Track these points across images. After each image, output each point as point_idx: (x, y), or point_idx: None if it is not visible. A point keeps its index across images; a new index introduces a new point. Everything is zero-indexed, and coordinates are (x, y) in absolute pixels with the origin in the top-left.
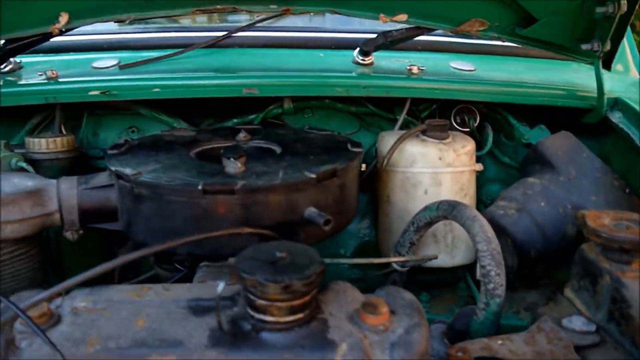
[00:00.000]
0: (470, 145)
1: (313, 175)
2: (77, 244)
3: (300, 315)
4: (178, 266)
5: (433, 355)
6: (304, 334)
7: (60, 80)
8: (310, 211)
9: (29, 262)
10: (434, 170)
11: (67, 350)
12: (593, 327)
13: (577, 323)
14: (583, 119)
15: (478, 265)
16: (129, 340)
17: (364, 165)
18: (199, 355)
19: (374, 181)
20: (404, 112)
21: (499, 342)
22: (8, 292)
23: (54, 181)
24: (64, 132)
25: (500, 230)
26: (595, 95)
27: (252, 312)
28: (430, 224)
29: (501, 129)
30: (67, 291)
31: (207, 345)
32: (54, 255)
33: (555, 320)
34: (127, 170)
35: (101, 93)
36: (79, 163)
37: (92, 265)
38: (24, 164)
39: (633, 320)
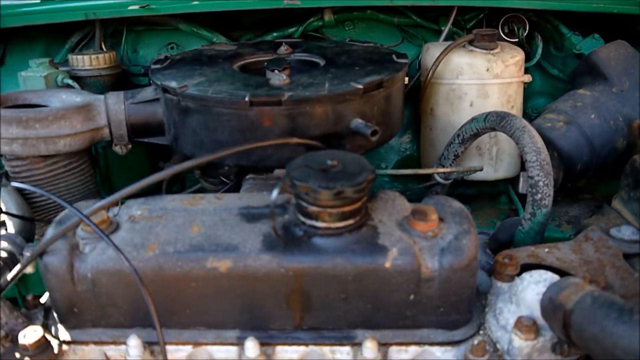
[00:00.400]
0: (519, 55)
1: (360, 86)
2: (124, 159)
3: (351, 222)
4: (224, 179)
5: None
6: (354, 239)
7: None
8: (357, 122)
9: (81, 176)
10: (481, 81)
11: (128, 254)
12: None
13: (625, 232)
14: (638, 27)
15: (522, 177)
16: (186, 245)
17: (406, 79)
18: (253, 259)
19: (418, 94)
20: (450, 21)
21: (546, 250)
22: None
23: (101, 96)
24: (105, 49)
25: (547, 143)
26: None
27: (303, 219)
28: (476, 135)
29: (550, 39)
30: (122, 201)
31: (261, 250)
32: (103, 170)
33: (603, 230)
34: (173, 84)
35: (140, 7)
36: (121, 80)
37: (139, 179)
38: (70, 81)
39: None
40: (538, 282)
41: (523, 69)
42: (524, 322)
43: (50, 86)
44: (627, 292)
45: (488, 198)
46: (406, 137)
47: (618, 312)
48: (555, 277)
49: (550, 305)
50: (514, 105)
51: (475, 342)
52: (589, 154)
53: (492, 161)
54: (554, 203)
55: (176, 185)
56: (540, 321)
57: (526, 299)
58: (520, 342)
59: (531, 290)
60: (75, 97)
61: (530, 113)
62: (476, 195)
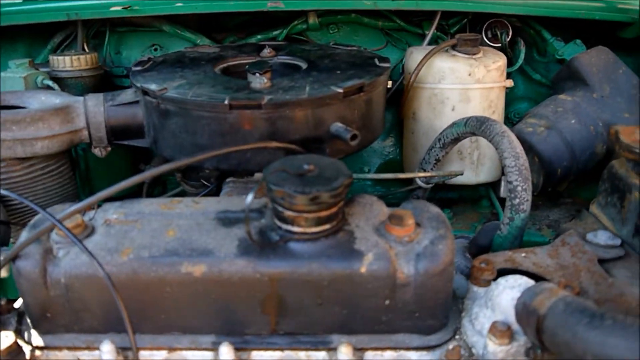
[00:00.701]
0: (501, 60)
1: (340, 90)
2: (104, 161)
3: (327, 226)
4: (205, 182)
5: (455, 269)
6: (330, 244)
7: None
8: (337, 126)
9: (60, 178)
10: (463, 86)
11: (102, 258)
12: (618, 242)
13: (602, 237)
14: (621, 34)
15: (504, 182)
16: (161, 250)
17: (389, 82)
18: (228, 264)
19: (400, 98)
20: (434, 25)
21: (523, 254)
22: (41, 207)
23: (80, 98)
24: (87, 50)
25: (528, 147)
26: (636, 7)
27: (279, 223)
28: (457, 140)
29: (534, 45)
30: (99, 205)
31: (237, 255)
32: (83, 172)
33: (580, 235)
34: (153, 86)
35: (123, 8)
36: (103, 81)
37: (120, 181)
38: (50, 82)
39: None
40: (513, 287)
41: (505, 74)
42: (498, 327)
43: (30, 87)
44: (601, 297)
45: (469, 202)
46: (389, 141)
47: (589, 317)
48: (530, 282)
49: (524, 310)
50: (495, 110)
51: (451, 346)
52: (569, 159)
53: (473, 165)
54: (535, 207)
55: (157, 188)
56: (515, 326)
57: (501, 304)
58: (494, 347)
59: (506, 295)
60: (54, 99)
61: (512, 118)
62: (458, 199)
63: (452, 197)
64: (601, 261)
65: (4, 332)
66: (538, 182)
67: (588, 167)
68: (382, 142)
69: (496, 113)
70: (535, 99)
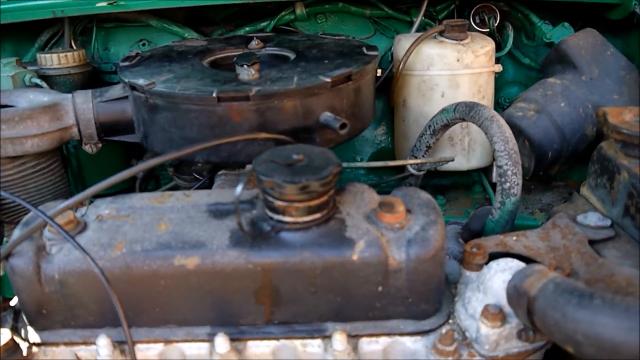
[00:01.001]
0: (489, 45)
1: (328, 79)
2: (96, 158)
3: (318, 215)
4: (197, 176)
5: (448, 254)
6: (322, 232)
7: None
8: (326, 115)
9: (51, 176)
10: (452, 72)
11: (95, 253)
12: (608, 222)
13: (592, 219)
14: (609, 15)
15: (495, 166)
16: (153, 243)
17: (379, 71)
18: (221, 255)
19: (390, 86)
20: (421, 12)
21: (514, 238)
22: (34, 205)
23: (69, 95)
24: (75, 47)
25: (518, 131)
26: None
27: (270, 214)
28: (447, 126)
29: (522, 29)
30: (91, 201)
31: (229, 246)
32: (75, 169)
33: (571, 217)
34: (141, 81)
35: (108, 4)
36: (92, 78)
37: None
38: (37, 80)
39: None
40: (504, 270)
41: (494, 58)
42: (490, 310)
43: (18, 86)
44: (591, 278)
45: (462, 188)
46: (380, 129)
47: (578, 297)
48: (521, 265)
49: (515, 292)
50: (485, 95)
51: (444, 331)
52: (560, 142)
53: (464, 151)
54: (527, 191)
55: (151, 183)
56: (507, 309)
57: (493, 287)
58: (487, 330)
59: (498, 278)
60: (43, 97)
61: (503, 102)
62: (451, 185)
63: (445, 184)
64: (591, 242)
65: (0, 330)
66: (529, 166)
67: (579, 149)
68: (374, 131)
69: (485, 98)
70: (525, 83)
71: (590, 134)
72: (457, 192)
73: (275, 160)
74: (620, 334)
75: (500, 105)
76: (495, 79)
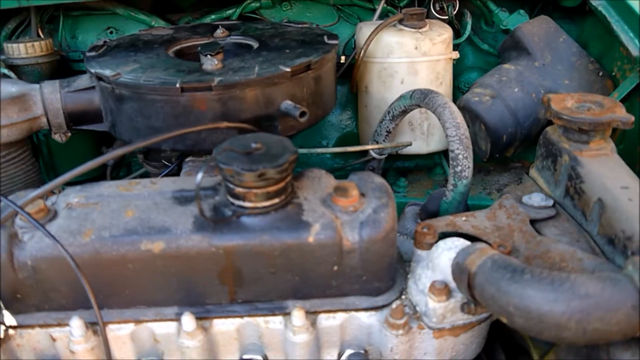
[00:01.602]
0: (447, 33)
1: (287, 69)
2: (66, 146)
3: (276, 200)
4: (166, 162)
5: (406, 233)
6: (280, 217)
7: None
8: (286, 104)
9: (22, 165)
10: (410, 59)
11: (65, 240)
12: (550, 203)
13: (535, 199)
14: (563, 2)
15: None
16: (120, 229)
17: (343, 58)
18: (185, 240)
19: (352, 73)
20: (382, 0)
21: (463, 218)
22: (6, 194)
23: (36, 86)
24: (42, 35)
25: (474, 116)
26: None
27: (232, 200)
28: (405, 112)
29: (481, 15)
30: (62, 189)
31: (192, 231)
32: (46, 157)
33: (517, 198)
34: (107, 72)
35: None
36: (60, 67)
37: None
38: (5, 70)
39: (584, 194)
40: (450, 249)
41: (451, 46)
42: (436, 285)
43: None
44: (530, 254)
45: (425, 170)
46: (345, 114)
47: (511, 272)
48: (466, 244)
49: (457, 269)
50: (442, 81)
51: (394, 306)
52: (514, 126)
53: (423, 135)
54: (486, 172)
55: (122, 170)
56: (452, 284)
57: (440, 265)
58: (434, 304)
59: (444, 256)
60: (11, 87)
61: (462, 87)
62: (413, 167)
63: (408, 166)
64: (533, 221)
65: None
66: (486, 149)
67: (532, 132)
68: (339, 116)
69: (443, 84)
70: (484, 68)
71: (543, 117)
72: (419, 174)
73: (234, 149)
74: (545, 305)
75: (460, 89)
76: (455, 64)
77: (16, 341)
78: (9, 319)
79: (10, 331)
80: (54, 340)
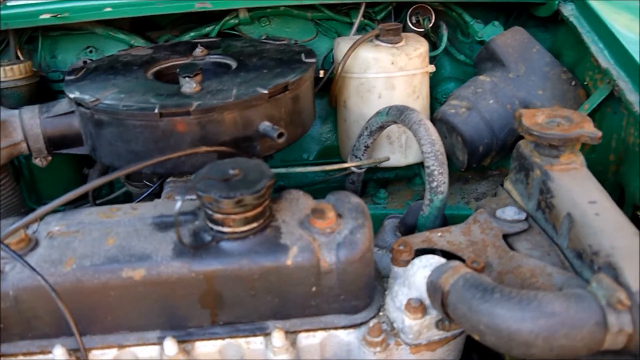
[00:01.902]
0: (422, 47)
1: (265, 91)
2: (48, 168)
3: (254, 225)
4: (147, 183)
5: (386, 247)
6: (258, 241)
7: (9, 4)
8: (265, 125)
9: (3, 190)
10: (387, 74)
11: (46, 270)
12: (523, 216)
13: (509, 213)
14: (536, 12)
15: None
16: (101, 258)
17: (322, 72)
18: (165, 266)
19: (331, 87)
20: (359, 15)
21: (439, 234)
22: None
23: (16, 112)
24: (21, 57)
25: (451, 128)
26: None
27: (211, 225)
28: (382, 128)
29: (457, 26)
30: (42, 217)
31: (172, 257)
32: (28, 180)
33: (492, 211)
34: (86, 97)
35: (52, 16)
36: (39, 88)
37: (65, 186)
38: None
39: (555, 208)
40: (425, 267)
41: (427, 59)
42: (412, 303)
43: None
44: (502, 270)
45: (405, 180)
46: (326, 127)
47: (482, 292)
48: (441, 261)
49: (432, 287)
50: (419, 95)
51: (371, 324)
52: (490, 137)
53: (401, 148)
54: (465, 181)
55: (105, 189)
56: (428, 302)
57: (416, 282)
58: (410, 322)
59: (420, 274)
60: None
61: (440, 98)
62: (393, 178)
63: (388, 177)
64: (506, 235)
65: None
66: (463, 159)
67: (508, 142)
68: (319, 129)
69: (420, 97)
70: (461, 78)
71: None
72: (398, 185)
73: (212, 177)
74: (514, 324)
75: (437, 100)
76: (433, 75)
77: None
78: None
79: None
80: None
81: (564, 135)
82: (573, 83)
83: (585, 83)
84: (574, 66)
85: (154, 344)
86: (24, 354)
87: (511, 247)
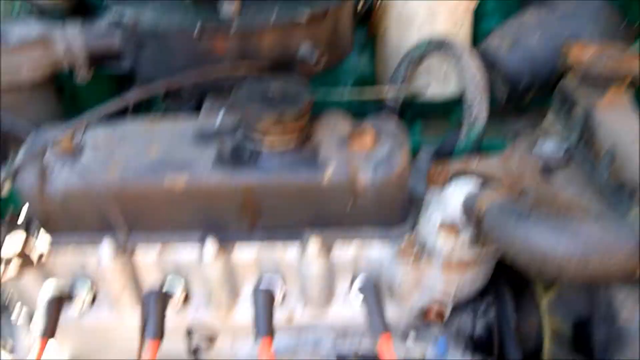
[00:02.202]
0: None
1: (305, 15)
2: (89, 87)
3: (293, 142)
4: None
5: (421, 174)
6: (296, 157)
7: None
8: (304, 49)
9: (46, 107)
10: (430, 3)
11: (92, 175)
12: (562, 150)
13: (548, 146)
14: None
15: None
16: (144, 166)
17: (362, 2)
18: (207, 176)
19: (372, 16)
20: None
21: (476, 161)
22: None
23: (58, 27)
24: None
25: (492, 64)
26: None
27: (250, 140)
28: (421, 59)
29: None
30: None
31: (213, 168)
32: (69, 99)
33: (531, 144)
34: (128, 14)
35: None
36: (81, 4)
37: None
38: (27, 9)
39: (596, 143)
40: (462, 189)
41: None
42: (446, 223)
43: (8, 15)
44: (538, 200)
45: (441, 113)
46: (364, 57)
47: (516, 216)
48: (478, 185)
49: (467, 209)
50: (462, 26)
51: (406, 237)
52: (532, 73)
53: (440, 80)
54: (502, 118)
55: (143, 108)
56: (461, 224)
57: (451, 204)
58: (443, 241)
59: (456, 196)
60: (32, 29)
61: (482, 33)
62: (430, 110)
63: (424, 109)
64: (544, 168)
65: (15, 234)
66: (503, 96)
67: (550, 81)
68: (357, 59)
69: (463, 29)
70: (506, 15)
71: (561, 66)
72: (435, 117)
73: (253, 91)
74: (548, 245)
75: (479, 35)
76: (476, 10)
77: (50, 260)
78: (44, 241)
79: (45, 249)
80: (84, 258)
81: (611, 71)
82: (624, 23)
83: (637, 23)
84: (625, 6)
85: (195, 242)
86: (76, 243)
87: (548, 180)
